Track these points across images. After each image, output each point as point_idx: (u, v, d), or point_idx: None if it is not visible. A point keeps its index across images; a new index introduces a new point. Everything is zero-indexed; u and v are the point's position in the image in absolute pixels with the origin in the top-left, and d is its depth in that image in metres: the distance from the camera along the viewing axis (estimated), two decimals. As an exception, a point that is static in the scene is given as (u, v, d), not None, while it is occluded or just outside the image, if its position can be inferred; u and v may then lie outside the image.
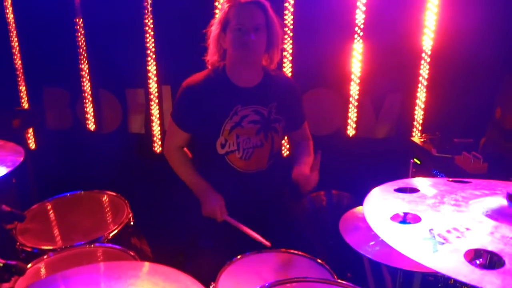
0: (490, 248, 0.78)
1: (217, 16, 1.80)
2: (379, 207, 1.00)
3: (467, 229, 0.85)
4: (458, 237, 0.81)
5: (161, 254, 2.64)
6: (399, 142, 3.00)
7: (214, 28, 1.80)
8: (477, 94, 2.79)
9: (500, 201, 0.94)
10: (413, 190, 1.09)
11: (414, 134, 3.02)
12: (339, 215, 2.25)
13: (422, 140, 2.65)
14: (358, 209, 1.92)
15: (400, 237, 0.85)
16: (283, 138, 2.04)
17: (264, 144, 1.87)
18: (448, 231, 0.84)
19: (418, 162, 2.60)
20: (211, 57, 1.85)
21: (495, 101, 2.56)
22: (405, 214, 0.97)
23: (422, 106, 2.98)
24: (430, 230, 0.85)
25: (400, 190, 1.12)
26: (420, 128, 3.01)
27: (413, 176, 2.64)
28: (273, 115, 1.87)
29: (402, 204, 1.01)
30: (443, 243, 0.79)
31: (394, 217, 0.95)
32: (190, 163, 1.98)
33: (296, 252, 1.68)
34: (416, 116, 3.01)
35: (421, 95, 2.96)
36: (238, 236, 1.82)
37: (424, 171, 2.52)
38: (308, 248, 1.80)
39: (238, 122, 1.83)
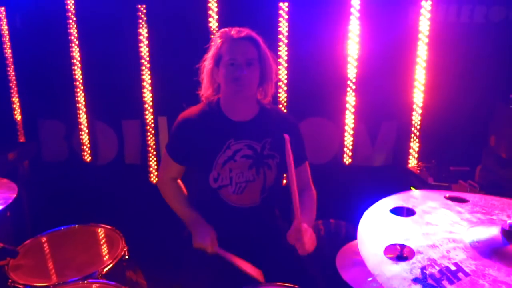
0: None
1: (210, 51, 1.82)
2: (374, 237, 0.99)
3: (460, 269, 0.84)
4: (452, 282, 0.79)
5: (158, 286, 2.60)
6: (396, 170, 3.01)
7: (207, 63, 1.82)
8: (471, 122, 2.82)
9: (493, 231, 0.94)
10: (409, 210, 1.08)
11: (410, 162, 3.03)
12: (337, 244, 2.21)
13: (418, 168, 2.66)
14: (354, 242, 1.88)
15: (394, 277, 0.84)
16: (279, 176, 1.93)
17: (256, 179, 1.85)
18: (440, 271, 0.83)
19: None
20: (205, 91, 1.86)
21: (490, 129, 2.58)
22: (402, 247, 0.95)
23: (418, 133, 3.00)
24: (423, 269, 0.84)
25: (395, 210, 1.11)
26: (416, 156, 3.02)
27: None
28: (266, 150, 1.85)
29: (398, 231, 0.99)
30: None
31: (389, 249, 0.94)
32: (183, 195, 1.98)
33: (292, 286, 1.64)
34: (412, 144, 3.03)
35: (416, 123, 2.99)
36: (232, 269, 1.80)
37: (421, 199, 2.51)
38: (306, 280, 1.77)
39: (231, 156, 1.82)
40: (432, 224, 1.01)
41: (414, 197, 1.17)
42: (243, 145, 1.82)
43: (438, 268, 0.85)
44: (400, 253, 1.05)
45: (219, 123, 1.76)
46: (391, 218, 1.08)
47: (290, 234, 1.69)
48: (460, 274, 0.84)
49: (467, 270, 0.84)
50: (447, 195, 1.18)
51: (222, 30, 1.82)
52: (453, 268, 0.86)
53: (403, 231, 1.00)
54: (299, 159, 1.94)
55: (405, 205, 1.13)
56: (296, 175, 1.91)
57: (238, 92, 1.76)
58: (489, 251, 0.91)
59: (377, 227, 1.05)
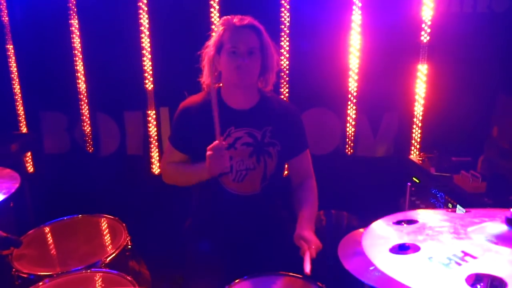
0: (492, 272, 0.77)
1: (212, 38, 1.81)
2: (378, 240, 1.00)
3: (467, 254, 0.84)
4: (458, 263, 0.80)
5: (160, 277, 2.62)
6: (398, 160, 3.01)
7: (208, 50, 1.81)
8: (474, 112, 2.81)
9: (499, 226, 0.94)
10: (412, 222, 1.08)
11: (412, 152, 3.03)
12: (338, 235, 2.21)
13: (420, 159, 2.65)
14: (356, 232, 1.88)
15: (399, 267, 0.84)
16: (280, 164, 1.93)
17: (256, 168, 1.86)
18: (449, 258, 0.83)
19: (417, 181, 2.59)
20: (206, 79, 1.86)
21: (492, 120, 2.57)
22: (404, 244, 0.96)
23: (420, 124, 2.99)
24: (429, 258, 0.84)
25: (398, 222, 1.11)
26: (418, 146, 3.02)
27: (411, 198, 2.63)
28: (267, 138, 1.85)
29: (401, 235, 1.00)
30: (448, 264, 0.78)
31: (393, 249, 0.95)
32: (183, 164, 1.94)
33: (294, 275, 1.65)
34: (414, 135, 3.02)
35: (418, 113, 2.98)
36: (234, 259, 1.80)
37: (423, 190, 2.51)
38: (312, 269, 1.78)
39: (232, 144, 1.82)
40: (435, 228, 1.01)
41: (414, 214, 1.16)
42: (243, 133, 1.83)
43: (446, 256, 0.85)
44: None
45: (220, 111, 1.76)
46: (394, 227, 1.07)
47: (296, 242, 1.69)
48: (468, 258, 0.84)
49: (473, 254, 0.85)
50: (449, 209, 1.18)
51: (225, 17, 1.80)
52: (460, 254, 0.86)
53: (407, 235, 1.00)
54: (300, 146, 1.95)
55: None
56: (297, 162, 1.95)
57: (239, 80, 1.76)
58: (496, 238, 0.91)
59: (381, 233, 1.04)
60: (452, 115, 2.87)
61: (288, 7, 2.92)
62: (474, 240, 0.91)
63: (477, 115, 2.78)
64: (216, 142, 1.66)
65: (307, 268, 1.53)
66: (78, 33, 3.14)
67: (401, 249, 0.95)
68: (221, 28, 1.77)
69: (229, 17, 1.78)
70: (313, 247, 1.61)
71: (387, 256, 0.91)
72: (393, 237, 1.00)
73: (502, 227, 0.93)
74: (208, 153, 1.67)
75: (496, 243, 0.87)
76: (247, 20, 1.76)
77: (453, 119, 2.87)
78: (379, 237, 1.03)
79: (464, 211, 1.95)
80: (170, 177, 1.98)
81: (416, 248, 0.91)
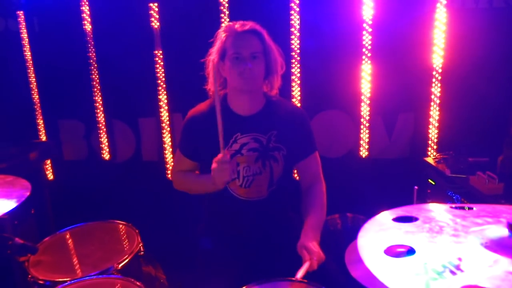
0: (486, 284, 0.74)
1: (215, 45, 1.82)
2: (375, 239, 0.97)
3: (464, 262, 0.81)
4: (453, 272, 0.77)
5: (176, 281, 2.65)
6: (413, 162, 2.94)
7: (212, 57, 1.82)
8: (491, 111, 2.73)
9: (501, 230, 0.90)
10: (412, 218, 1.06)
11: (429, 153, 2.96)
12: (354, 238, 2.17)
13: (436, 160, 2.59)
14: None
15: (394, 272, 0.82)
16: (287, 168, 1.91)
17: (262, 172, 1.85)
18: (444, 266, 0.80)
19: (433, 183, 2.53)
20: (211, 86, 1.87)
21: (511, 118, 2.49)
22: (402, 246, 0.93)
23: (436, 124, 2.92)
24: (425, 264, 0.82)
25: (399, 219, 1.08)
26: (435, 147, 2.95)
27: (424, 200, 2.57)
28: (272, 143, 1.84)
29: (399, 234, 0.97)
30: (437, 279, 0.75)
31: (390, 250, 0.92)
32: (192, 172, 1.98)
33: (306, 281, 1.62)
34: (430, 135, 2.95)
35: (434, 113, 2.91)
36: (247, 263, 1.80)
37: (439, 192, 2.45)
38: (319, 275, 1.75)
39: (238, 150, 1.82)
40: (435, 228, 0.98)
41: (416, 210, 1.13)
42: (249, 139, 1.83)
43: (441, 263, 0.82)
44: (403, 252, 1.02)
45: (226, 117, 1.76)
46: (393, 224, 1.05)
47: (298, 251, 1.66)
48: (463, 266, 0.81)
49: (469, 263, 0.82)
50: (453, 206, 1.14)
51: (226, 24, 1.82)
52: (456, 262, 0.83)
53: (405, 234, 0.97)
54: (307, 150, 1.92)
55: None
56: (304, 166, 1.93)
57: (243, 86, 1.76)
58: (495, 245, 0.87)
59: (378, 232, 1.03)
60: (469, 114, 2.80)
61: (298, 9, 2.91)
62: (472, 245, 0.87)
63: (494, 113, 2.70)
64: (220, 155, 1.66)
65: (299, 274, 1.50)
66: (92, 43, 3.22)
67: (397, 252, 0.92)
68: (223, 34, 1.78)
69: (231, 23, 1.80)
70: (315, 259, 1.58)
71: (381, 258, 0.89)
72: (390, 237, 0.98)
73: (503, 232, 0.89)
74: (213, 166, 1.67)
75: (495, 251, 0.84)
76: (249, 25, 1.76)
77: (470, 118, 2.80)
78: (376, 235, 1.00)
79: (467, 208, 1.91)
80: (179, 184, 2.01)
81: (412, 251, 0.89)
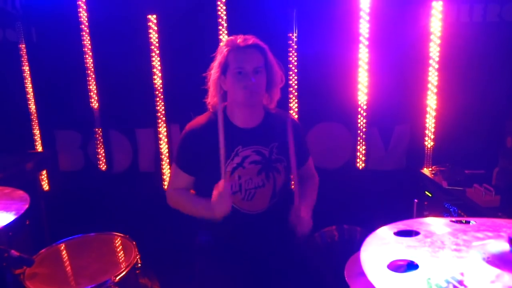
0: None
1: (216, 59, 1.83)
2: (377, 254, 0.98)
3: (466, 277, 0.81)
4: (456, 287, 0.77)
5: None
6: (410, 174, 2.96)
7: (214, 72, 1.83)
8: (486, 123, 2.76)
9: (502, 245, 0.91)
10: (413, 232, 1.06)
11: (425, 165, 2.98)
12: (352, 250, 2.17)
13: (433, 172, 2.60)
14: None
15: (397, 287, 0.82)
16: (288, 179, 1.98)
17: (265, 184, 1.86)
18: (447, 281, 0.81)
19: (430, 195, 2.54)
20: (212, 99, 1.88)
21: (506, 130, 2.52)
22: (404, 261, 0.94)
23: (432, 136, 2.95)
24: (428, 279, 0.82)
25: (400, 233, 1.08)
26: (430, 159, 2.97)
27: (424, 212, 2.58)
28: (274, 155, 1.86)
29: (401, 249, 0.98)
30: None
31: (393, 264, 0.92)
32: (189, 193, 1.97)
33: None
34: (426, 147, 2.98)
35: (430, 125, 2.94)
36: (246, 276, 1.80)
37: (436, 204, 2.46)
38: (321, 286, 1.76)
39: (240, 163, 1.83)
40: (437, 242, 0.99)
41: (417, 224, 1.13)
42: (251, 151, 1.83)
43: (444, 278, 0.82)
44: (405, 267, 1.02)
45: (226, 130, 1.77)
46: (395, 239, 1.05)
47: (291, 217, 1.78)
48: (466, 282, 0.82)
49: (472, 278, 0.82)
50: (453, 219, 1.15)
51: (228, 38, 1.83)
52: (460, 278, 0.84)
53: (407, 248, 0.98)
54: (304, 157, 2.01)
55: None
56: (301, 171, 2.00)
57: (247, 100, 1.77)
58: (497, 260, 0.88)
59: (381, 246, 1.03)
60: (464, 126, 2.83)
61: (296, 22, 2.93)
62: (475, 260, 0.88)
63: (490, 125, 2.73)
64: (222, 183, 1.68)
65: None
66: (90, 54, 3.22)
67: (400, 266, 0.92)
68: (225, 49, 1.78)
69: (232, 37, 1.80)
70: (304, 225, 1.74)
71: (384, 274, 0.89)
72: (392, 251, 0.98)
73: (505, 246, 0.90)
74: (213, 197, 1.69)
75: (497, 266, 0.84)
76: (251, 40, 1.77)
77: (466, 131, 2.82)
78: (378, 250, 1.00)
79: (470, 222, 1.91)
80: (174, 204, 1.98)
81: (415, 266, 0.89)
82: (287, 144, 1.87)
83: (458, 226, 1.08)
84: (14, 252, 1.75)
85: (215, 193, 1.68)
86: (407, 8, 2.83)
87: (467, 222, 1.11)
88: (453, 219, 1.15)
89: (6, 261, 1.65)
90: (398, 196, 2.88)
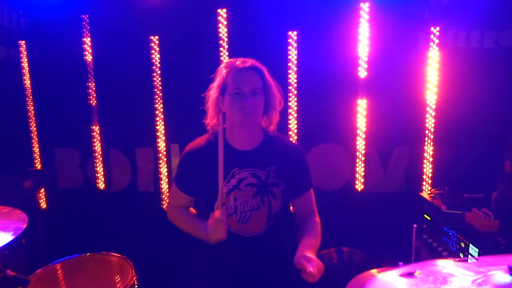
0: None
1: (215, 80, 1.85)
2: None
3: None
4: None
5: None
6: (409, 196, 2.96)
7: (212, 92, 1.85)
8: (485, 148, 2.77)
9: (504, 277, 0.90)
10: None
11: (424, 188, 2.98)
12: (350, 273, 2.14)
13: (431, 195, 2.60)
14: (367, 274, 1.82)
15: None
16: (284, 204, 1.92)
17: (260, 208, 1.85)
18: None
19: (429, 218, 2.54)
20: (211, 120, 1.90)
21: (504, 155, 2.53)
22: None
23: (430, 159, 2.96)
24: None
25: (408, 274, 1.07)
26: (430, 182, 2.97)
27: (423, 235, 2.57)
28: (270, 178, 1.85)
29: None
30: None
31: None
32: (188, 211, 1.98)
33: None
34: (425, 170, 2.98)
35: (429, 148, 2.95)
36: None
37: (435, 227, 2.45)
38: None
39: (236, 185, 1.83)
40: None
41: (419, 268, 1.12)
42: (247, 174, 1.83)
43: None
44: None
45: (224, 152, 1.78)
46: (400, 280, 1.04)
47: (296, 262, 1.64)
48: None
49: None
50: (456, 259, 1.14)
51: (227, 60, 1.87)
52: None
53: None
54: (304, 186, 1.94)
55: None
56: (301, 202, 1.95)
57: (244, 121, 1.78)
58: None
59: None
60: (463, 150, 2.84)
61: (295, 45, 2.98)
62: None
63: (488, 150, 2.74)
64: (218, 212, 1.68)
65: (309, 268, 1.51)
66: (92, 73, 3.26)
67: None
68: (224, 70, 1.81)
69: (231, 60, 1.84)
70: (313, 264, 1.56)
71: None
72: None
73: (507, 278, 0.90)
74: (209, 222, 1.70)
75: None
76: (250, 62, 1.80)
77: (465, 154, 2.83)
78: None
79: (477, 252, 1.89)
80: (173, 221, 2.02)
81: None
82: (285, 168, 1.87)
83: (463, 263, 1.07)
84: (10, 272, 1.74)
85: (210, 221, 1.70)
86: (406, 33, 2.87)
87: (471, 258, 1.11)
88: (457, 259, 1.14)
89: (1, 281, 1.63)
90: (397, 219, 2.87)
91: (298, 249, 1.71)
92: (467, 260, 1.11)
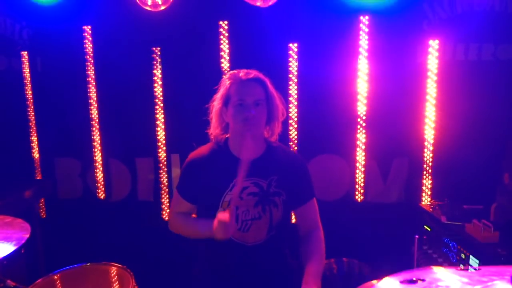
0: None
1: (219, 91, 1.88)
2: None
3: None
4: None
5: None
6: (409, 207, 2.97)
7: (216, 103, 1.88)
8: (484, 159, 2.79)
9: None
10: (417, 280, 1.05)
11: (423, 199, 2.99)
12: (350, 283, 2.13)
13: (431, 206, 2.62)
14: (368, 284, 1.83)
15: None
16: (286, 213, 1.93)
17: (262, 217, 1.86)
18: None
19: (429, 229, 2.55)
20: (214, 130, 1.92)
21: (503, 167, 2.55)
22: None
23: (430, 171, 2.97)
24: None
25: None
26: (429, 193, 2.98)
27: (423, 246, 2.57)
28: (272, 188, 1.87)
29: None
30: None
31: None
32: (191, 216, 1.99)
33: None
34: (424, 181, 3.00)
35: (428, 159, 2.97)
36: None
37: (435, 239, 2.46)
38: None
39: (238, 194, 1.84)
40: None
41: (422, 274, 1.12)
42: (249, 183, 1.85)
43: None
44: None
45: (227, 161, 1.79)
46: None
47: None
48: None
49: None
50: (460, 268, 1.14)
51: (231, 72, 1.89)
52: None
53: None
54: (306, 196, 1.95)
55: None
56: (303, 212, 1.96)
57: (247, 131, 1.80)
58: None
59: None
60: (462, 161, 2.85)
61: (296, 57, 3.01)
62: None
63: (487, 161, 2.75)
64: (226, 213, 1.68)
65: None
66: (94, 84, 3.28)
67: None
68: (227, 82, 1.84)
69: (235, 71, 1.86)
70: None
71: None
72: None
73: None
74: (215, 222, 1.70)
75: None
76: (253, 73, 1.83)
77: (464, 166, 2.85)
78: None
79: (477, 264, 1.90)
80: (176, 227, 2.01)
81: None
82: (287, 177, 1.88)
83: (464, 272, 1.07)
84: (10, 282, 1.74)
85: (219, 215, 1.70)
86: (405, 46, 2.91)
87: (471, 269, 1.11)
88: (459, 268, 1.14)
89: (2, 291, 1.63)
90: (397, 230, 2.88)
91: (304, 277, 1.72)
92: (468, 270, 1.12)
